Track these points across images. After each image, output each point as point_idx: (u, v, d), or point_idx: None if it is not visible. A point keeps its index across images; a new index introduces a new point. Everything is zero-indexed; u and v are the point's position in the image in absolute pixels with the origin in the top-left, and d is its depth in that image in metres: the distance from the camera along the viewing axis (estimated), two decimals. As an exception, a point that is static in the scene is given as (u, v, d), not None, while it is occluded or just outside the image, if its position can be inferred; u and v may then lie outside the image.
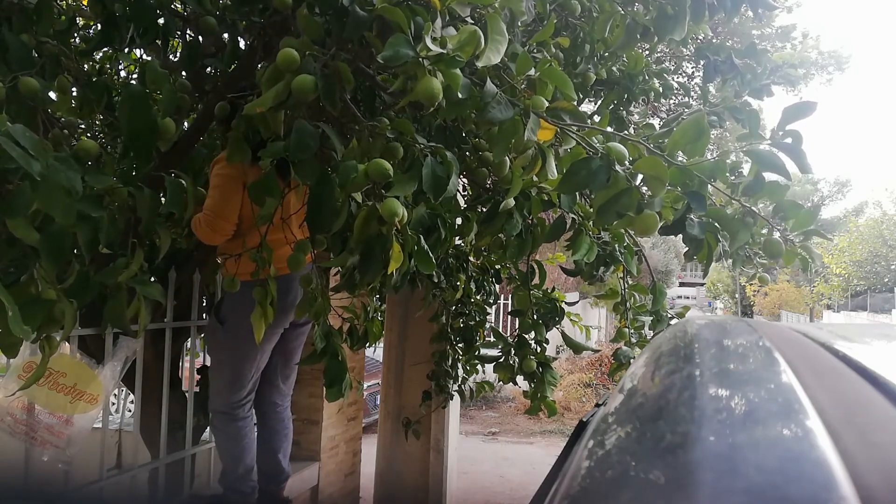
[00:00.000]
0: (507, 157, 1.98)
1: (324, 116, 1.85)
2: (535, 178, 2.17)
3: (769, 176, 1.70)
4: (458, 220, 2.46)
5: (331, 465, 3.89)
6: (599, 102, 3.08)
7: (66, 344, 1.97)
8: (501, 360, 3.09)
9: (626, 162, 1.65)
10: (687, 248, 1.88)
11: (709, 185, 1.72)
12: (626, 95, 2.97)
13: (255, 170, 2.12)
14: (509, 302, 5.63)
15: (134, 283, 1.71)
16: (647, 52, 3.27)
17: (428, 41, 1.42)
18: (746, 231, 1.77)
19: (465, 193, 2.89)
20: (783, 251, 1.83)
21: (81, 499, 1.93)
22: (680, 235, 1.83)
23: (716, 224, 1.81)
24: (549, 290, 3.15)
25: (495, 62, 1.54)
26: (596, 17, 2.40)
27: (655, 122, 4.69)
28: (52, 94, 1.84)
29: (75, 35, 2.35)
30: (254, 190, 1.84)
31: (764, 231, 1.89)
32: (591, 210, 2.18)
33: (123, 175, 1.73)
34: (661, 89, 3.05)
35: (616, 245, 2.69)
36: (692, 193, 1.69)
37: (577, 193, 2.17)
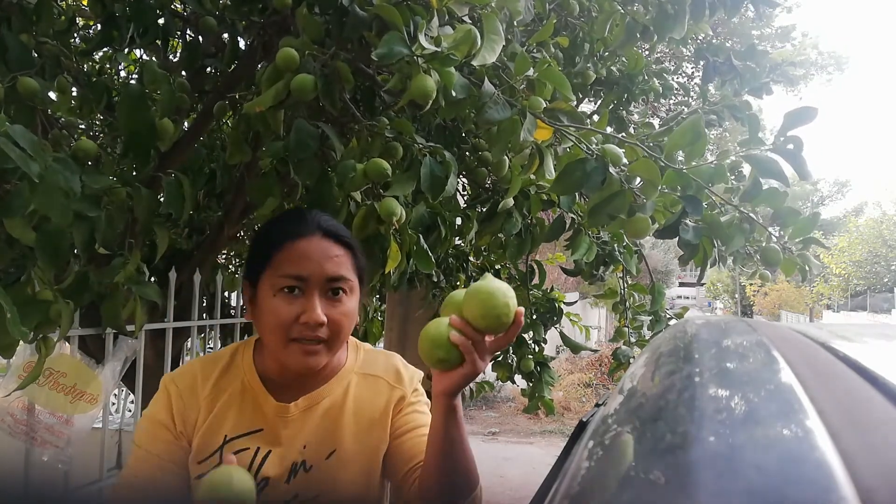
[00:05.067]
0: (505, 157, 1.98)
1: (323, 116, 1.85)
2: (534, 178, 2.17)
3: (768, 182, 1.70)
4: (458, 220, 2.46)
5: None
6: (599, 102, 3.09)
7: (67, 344, 1.97)
8: (500, 358, 3.09)
9: (622, 164, 1.65)
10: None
11: (706, 190, 1.72)
12: (625, 95, 2.97)
13: None
14: (509, 302, 5.62)
15: (130, 284, 1.71)
16: (646, 52, 3.27)
17: (423, 39, 1.42)
18: (741, 237, 1.77)
19: (465, 193, 2.90)
20: (781, 260, 1.82)
21: (82, 498, 1.93)
22: (676, 239, 1.83)
23: (710, 229, 1.80)
24: (548, 290, 3.15)
25: (491, 61, 1.54)
26: (595, 16, 2.40)
27: (655, 121, 4.70)
28: (52, 95, 1.84)
29: (75, 35, 2.35)
30: (252, 191, 1.84)
31: (763, 237, 1.88)
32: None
33: (122, 175, 1.73)
34: (660, 89, 3.06)
35: (615, 245, 2.69)
36: (688, 198, 1.69)
37: (576, 193, 2.17)
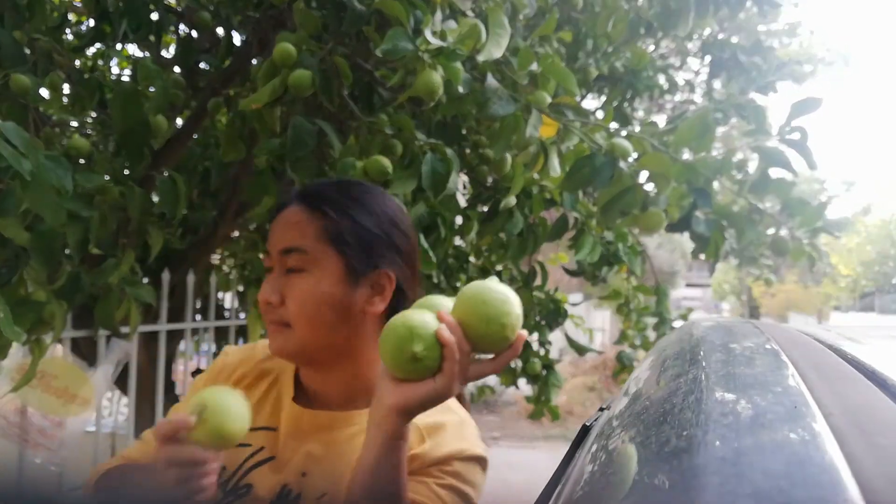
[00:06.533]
0: (507, 155, 1.96)
1: (321, 113, 1.83)
2: (536, 176, 2.15)
3: (776, 172, 1.69)
4: (459, 220, 2.44)
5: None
6: (604, 99, 3.07)
7: (59, 346, 1.96)
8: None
9: (631, 158, 1.63)
10: (694, 247, 1.87)
11: (715, 182, 1.70)
12: (630, 92, 2.96)
13: None
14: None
15: (124, 285, 1.69)
16: (651, 49, 3.25)
17: (428, 34, 1.40)
18: (753, 228, 1.76)
19: (466, 192, 2.88)
20: (790, 248, 1.81)
21: (75, 501, 1.91)
22: (686, 235, 1.81)
23: (722, 221, 1.79)
24: (551, 291, 3.13)
25: (497, 56, 1.52)
26: (598, 11, 2.38)
27: (660, 118, 4.69)
28: (44, 92, 1.83)
29: (67, 31, 2.34)
30: (248, 189, 1.82)
31: (771, 230, 1.87)
32: (595, 208, 2.16)
33: (115, 174, 1.71)
34: (665, 85, 3.04)
35: (619, 244, 2.67)
36: (698, 190, 1.68)
37: (579, 192, 2.15)
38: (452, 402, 1.09)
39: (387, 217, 1.12)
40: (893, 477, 0.46)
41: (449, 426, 1.07)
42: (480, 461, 1.06)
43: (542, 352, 3.03)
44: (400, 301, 1.08)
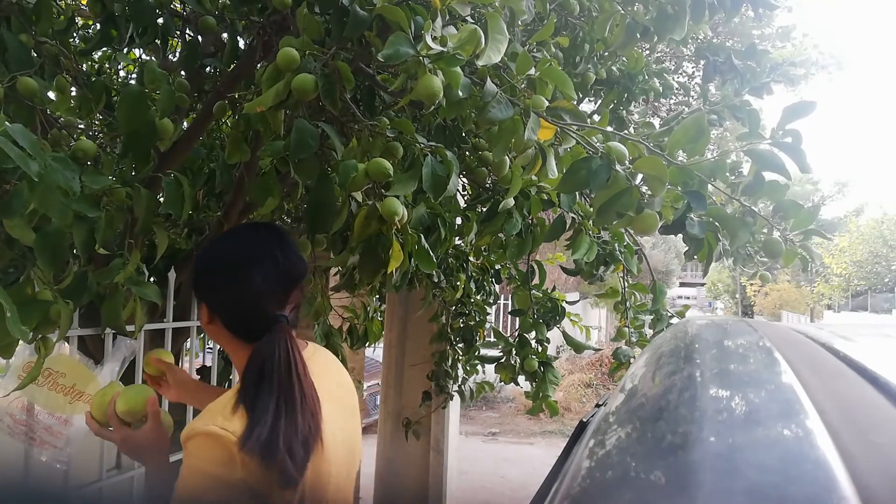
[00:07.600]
0: (506, 157, 1.97)
1: (323, 116, 1.85)
2: (534, 178, 2.17)
3: (769, 175, 1.70)
4: (458, 220, 2.46)
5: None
6: (599, 102, 3.08)
7: (66, 344, 1.97)
8: (503, 360, 3.08)
9: (626, 161, 1.64)
10: (687, 248, 1.88)
11: (709, 185, 1.72)
12: (625, 95, 2.97)
13: None
14: (509, 302, 5.65)
15: (130, 284, 1.71)
16: (647, 52, 3.26)
17: (428, 39, 1.41)
18: (746, 230, 1.77)
19: (465, 193, 2.89)
20: (783, 250, 1.82)
21: (81, 499, 1.92)
22: (680, 235, 1.83)
23: (716, 223, 1.80)
24: (549, 290, 3.15)
25: (496, 61, 1.53)
26: (595, 16, 2.40)
27: (656, 121, 4.70)
28: (51, 94, 1.84)
29: (74, 35, 2.35)
30: (252, 190, 1.83)
31: (764, 231, 1.88)
32: (592, 210, 2.17)
33: (122, 175, 1.73)
34: (661, 89, 3.05)
35: (616, 244, 2.69)
36: (692, 193, 1.69)
37: (576, 193, 2.16)
38: (234, 388, 1.30)
39: (211, 259, 1.42)
40: (888, 474, 0.46)
41: (202, 413, 1.29)
42: (204, 436, 1.20)
43: (539, 349, 3.05)
44: (230, 326, 1.37)
